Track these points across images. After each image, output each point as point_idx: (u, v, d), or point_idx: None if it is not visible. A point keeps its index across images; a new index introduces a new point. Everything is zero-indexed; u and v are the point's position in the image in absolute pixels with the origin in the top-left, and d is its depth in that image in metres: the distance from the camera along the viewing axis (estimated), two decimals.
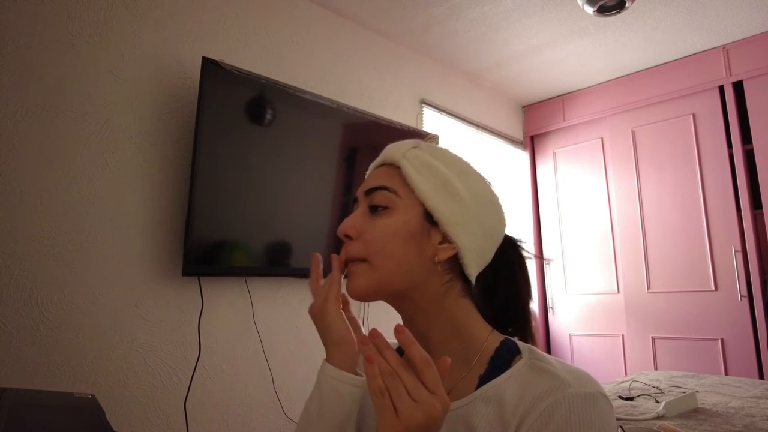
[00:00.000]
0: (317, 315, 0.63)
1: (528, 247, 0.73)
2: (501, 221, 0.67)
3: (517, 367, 0.58)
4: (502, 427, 0.54)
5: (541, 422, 0.52)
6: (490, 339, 0.62)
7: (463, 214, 0.62)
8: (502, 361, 0.59)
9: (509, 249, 0.70)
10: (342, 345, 0.62)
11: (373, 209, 0.63)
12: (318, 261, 0.67)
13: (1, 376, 1.32)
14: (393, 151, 0.66)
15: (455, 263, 0.63)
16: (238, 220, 1.79)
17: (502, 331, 0.67)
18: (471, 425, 0.56)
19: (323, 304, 0.63)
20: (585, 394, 0.53)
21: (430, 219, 0.62)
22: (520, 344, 0.62)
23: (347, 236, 0.63)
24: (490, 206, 0.66)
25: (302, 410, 0.65)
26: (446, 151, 0.67)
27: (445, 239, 0.62)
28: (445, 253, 0.62)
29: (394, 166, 0.65)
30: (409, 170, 0.62)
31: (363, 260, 0.61)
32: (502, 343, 0.62)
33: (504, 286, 0.70)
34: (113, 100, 1.63)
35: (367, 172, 0.70)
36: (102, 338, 1.52)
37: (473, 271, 0.63)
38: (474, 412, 0.57)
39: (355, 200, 0.67)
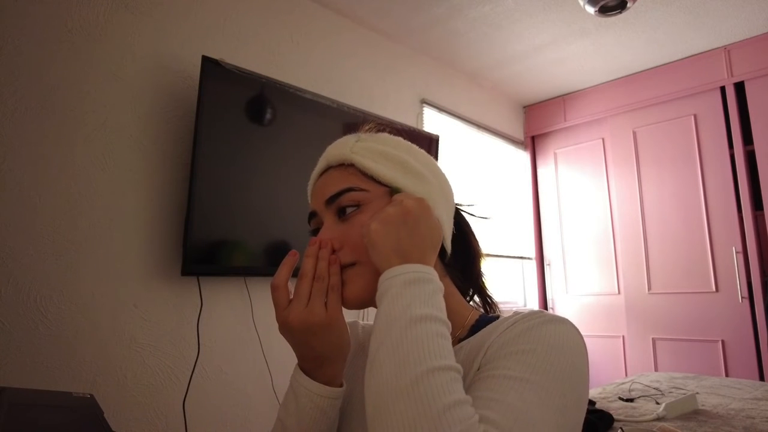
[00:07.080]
0: (321, 325, 0.54)
1: (468, 209, 0.74)
2: (452, 188, 0.68)
3: (494, 323, 0.58)
4: (473, 360, 0.53)
5: (502, 339, 0.52)
6: (471, 317, 0.63)
7: (430, 189, 0.62)
8: (481, 327, 0.59)
9: (456, 214, 0.70)
10: (338, 359, 0.58)
11: (342, 213, 0.60)
12: (294, 261, 0.59)
13: None
14: (338, 150, 0.63)
15: None
16: (237, 219, 1.79)
17: (464, 295, 0.68)
18: None
19: (333, 313, 0.56)
20: (552, 317, 0.52)
21: None
22: (501, 315, 0.63)
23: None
24: (442, 176, 0.66)
25: (276, 420, 0.61)
26: (386, 135, 0.66)
27: None
28: None
29: (344, 166, 0.62)
30: (366, 162, 0.60)
31: (352, 264, 0.58)
32: (481, 316, 0.63)
33: (462, 251, 0.70)
34: (113, 99, 1.63)
35: (311, 182, 0.66)
36: (101, 338, 1.52)
37: (449, 243, 0.64)
38: None
39: (312, 215, 0.64)
